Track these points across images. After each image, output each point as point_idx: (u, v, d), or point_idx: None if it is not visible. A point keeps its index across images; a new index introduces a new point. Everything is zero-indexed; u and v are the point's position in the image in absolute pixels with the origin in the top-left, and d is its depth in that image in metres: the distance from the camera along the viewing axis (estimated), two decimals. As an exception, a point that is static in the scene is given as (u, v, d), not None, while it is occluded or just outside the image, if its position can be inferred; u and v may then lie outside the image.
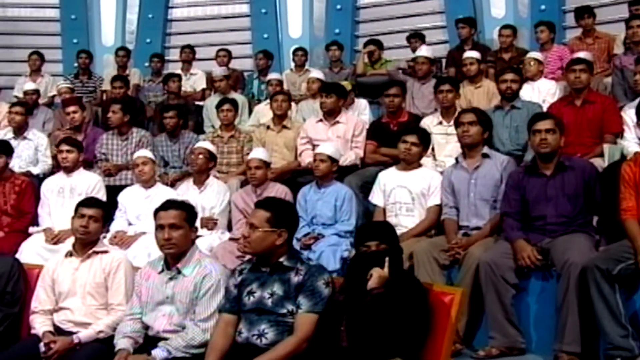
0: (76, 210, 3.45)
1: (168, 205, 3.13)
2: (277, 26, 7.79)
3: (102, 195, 4.86)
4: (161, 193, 4.78)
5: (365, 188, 4.77)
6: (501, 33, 6.20)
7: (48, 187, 4.89)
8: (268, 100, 6.29)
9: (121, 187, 5.06)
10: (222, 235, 4.57)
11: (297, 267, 2.79)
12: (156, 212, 3.13)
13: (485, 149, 3.98)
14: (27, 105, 5.97)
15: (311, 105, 6.04)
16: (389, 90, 5.09)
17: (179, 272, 3.01)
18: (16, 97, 7.19)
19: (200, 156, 4.66)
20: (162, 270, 3.06)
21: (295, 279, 2.76)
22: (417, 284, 2.63)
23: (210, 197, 4.65)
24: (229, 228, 4.67)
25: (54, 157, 5.28)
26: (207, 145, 4.82)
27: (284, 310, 2.73)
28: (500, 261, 3.44)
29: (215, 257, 4.17)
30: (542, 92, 5.29)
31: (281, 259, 2.81)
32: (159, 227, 3.05)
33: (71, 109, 5.63)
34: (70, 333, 3.21)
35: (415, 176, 4.16)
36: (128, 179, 5.28)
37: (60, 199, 4.81)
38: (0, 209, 4.83)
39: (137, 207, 4.74)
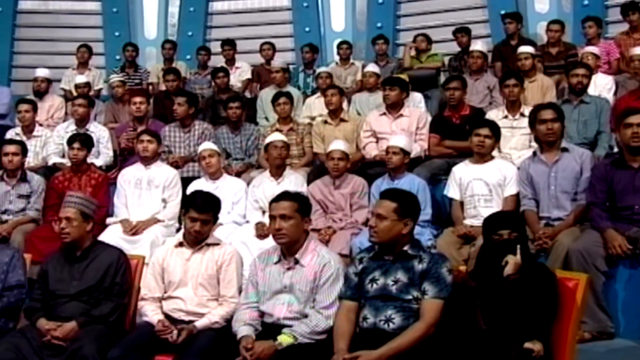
0: (187, 209, 3.54)
1: (281, 196, 3.25)
2: (318, 19, 7.87)
3: (179, 189, 5.01)
4: (229, 184, 4.94)
5: (433, 179, 4.93)
6: (550, 28, 6.32)
7: (125, 178, 5.00)
8: (319, 93, 6.46)
9: (187, 179, 5.17)
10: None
11: (420, 255, 2.93)
12: (270, 203, 3.26)
13: (564, 143, 4.13)
14: (90, 98, 6.05)
15: (366, 98, 6.17)
16: (450, 84, 5.23)
17: (297, 262, 3.15)
18: (63, 89, 7.29)
19: (280, 149, 4.76)
20: (279, 261, 3.20)
21: (419, 266, 2.90)
22: (546, 269, 2.78)
23: (287, 188, 4.68)
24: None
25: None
26: (283, 137, 4.94)
27: (409, 297, 2.87)
28: (591, 249, 3.59)
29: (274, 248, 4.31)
30: (598, 86, 5.44)
31: (405, 248, 2.95)
32: (271, 218, 3.18)
33: (137, 99, 5.72)
34: (181, 322, 3.35)
35: (490, 168, 4.29)
36: (195, 171, 5.40)
37: (137, 190, 4.93)
38: (74, 201, 4.98)
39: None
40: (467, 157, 4.86)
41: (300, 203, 3.20)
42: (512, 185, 4.21)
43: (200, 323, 3.30)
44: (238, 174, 5.29)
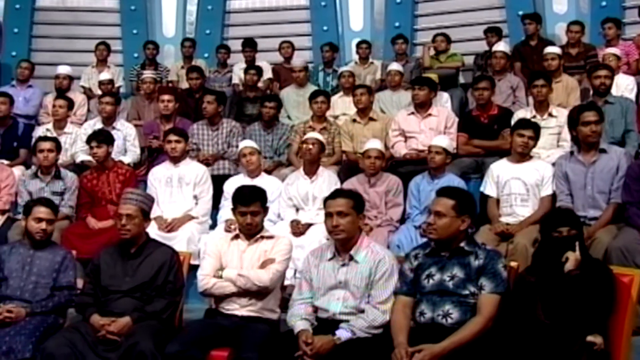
0: (234, 206, 3.62)
1: (336, 194, 3.34)
2: (336, 19, 7.93)
3: (209, 186, 5.07)
4: (266, 183, 4.95)
5: (462, 177, 4.99)
6: (570, 29, 6.41)
7: (155, 177, 5.07)
8: (341, 92, 6.52)
9: (218, 177, 5.24)
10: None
11: (476, 252, 3.01)
12: (325, 200, 3.34)
13: (602, 144, 4.21)
14: (116, 95, 6.08)
15: (389, 96, 6.25)
16: (479, 84, 5.32)
17: (351, 258, 3.22)
18: (82, 86, 7.30)
19: (314, 146, 4.83)
20: (333, 257, 3.28)
21: (475, 262, 2.98)
22: (603, 265, 2.87)
23: (321, 186, 4.82)
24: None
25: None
26: (318, 135, 5.00)
27: (466, 292, 2.95)
28: (630, 246, 3.70)
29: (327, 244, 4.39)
30: (620, 87, 5.53)
31: (462, 244, 3.04)
32: (328, 215, 3.25)
33: (166, 97, 5.75)
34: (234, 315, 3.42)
35: (528, 168, 4.37)
36: (226, 168, 5.45)
37: (168, 188, 4.99)
38: (105, 198, 5.01)
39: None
40: (495, 156, 5.01)
41: (355, 200, 3.28)
42: (549, 185, 4.30)
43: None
44: (268, 172, 5.33)
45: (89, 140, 5.03)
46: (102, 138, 5.01)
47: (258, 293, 3.40)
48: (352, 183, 4.81)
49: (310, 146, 4.81)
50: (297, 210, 4.84)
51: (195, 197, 4.97)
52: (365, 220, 3.40)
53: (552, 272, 2.80)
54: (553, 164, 4.44)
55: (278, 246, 3.52)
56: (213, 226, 4.96)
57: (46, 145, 4.97)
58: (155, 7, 8.11)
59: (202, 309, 4.05)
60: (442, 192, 3.13)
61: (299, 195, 4.82)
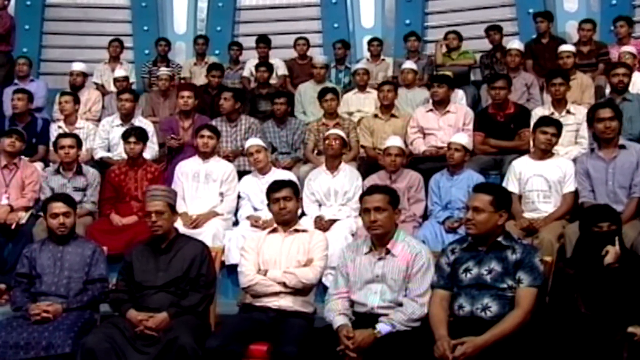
0: (268, 198, 3.74)
1: (372, 189, 3.41)
2: (346, 16, 7.96)
3: (236, 184, 5.11)
4: (279, 177, 4.97)
5: (482, 174, 5.03)
6: (582, 27, 6.48)
7: (182, 171, 5.10)
8: (356, 89, 6.57)
9: (238, 173, 5.24)
10: (356, 219, 4.80)
11: (512, 246, 3.08)
12: (361, 197, 3.40)
13: (622, 140, 4.29)
14: (134, 92, 6.09)
15: (404, 94, 6.28)
16: (496, 83, 5.36)
17: (388, 252, 3.28)
18: (95, 83, 7.31)
19: (336, 142, 4.88)
20: (370, 251, 3.34)
21: (512, 256, 3.05)
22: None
23: (343, 181, 4.88)
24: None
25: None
26: (340, 131, 5.05)
27: (504, 285, 3.02)
28: (656, 241, 3.79)
29: (360, 239, 4.46)
30: (636, 85, 5.61)
31: (499, 239, 3.10)
32: (365, 211, 3.31)
33: (186, 93, 5.77)
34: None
35: (550, 165, 4.44)
36: (246, 165, 5.46)
37: (195, 183, 5.02)
38: (130, 194, 5.04)
39: (259, 193, 4.90)
40: (513, 153, 5.07)
41: (391, 196, 3.35)
42: (571, 182, 4.37)
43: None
44: (288, 169, 5.37)
45: (125, 136, 5.05)
46: (139, 135, 5.07)
47: (301, 290, 3.46)
48: (373, 179, 4.85)
49: (333, 142, 4.87)
50: (320, 205, 4.90)
51: (221, 194, 5.00)
52: (400, 215, 3.45)
53: (591, 265, 2.87)
54: (573, 161, 4.52)
55: (315, 241, 3.59)
56: (236, 223, 5.00)
57: (67, 141, 5.00)
58: (166, 4, 8.11)
59: (230, 304, 4.13)
60: (480, 188, 3.20)
61: (321, 190, 4.87)
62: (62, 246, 3.75)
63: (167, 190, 3.79)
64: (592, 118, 4.31)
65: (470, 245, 3.16)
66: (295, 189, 3.76)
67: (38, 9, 8.00)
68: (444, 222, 4.46)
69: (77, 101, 5.98)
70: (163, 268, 3.56)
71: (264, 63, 6.75)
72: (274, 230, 3.69)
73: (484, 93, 6.45)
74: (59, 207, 3.73)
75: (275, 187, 3.71)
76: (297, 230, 3.66)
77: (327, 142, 4.91)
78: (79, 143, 5.10)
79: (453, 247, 3.22)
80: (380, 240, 3.30)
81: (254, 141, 5.15)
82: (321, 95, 5.77)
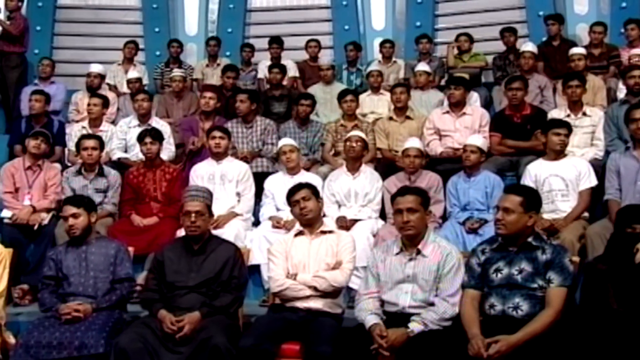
0: (288, 201, 3.78)
1: (404, 191, 3.45)
2: (357, 18, 8.02)
3: (252, 183, 5.15)
4: (306, 179, 4.93)
5: (498, 175, 5.10)
6: (593, 30, 6.57)
7: (198, 173, 5.13)
8: (370, 91, 6.62)
9: (256, 174, 5.28)
10: (376, 220, 4.87)
11: (542, 246, 3.13)
12: (393, 197, 3.45)
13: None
14: (149, 93, 6.12)
15: (419, 96, 6.35)
16: (513, 84, 5.42)
17: (419, 252, 3.33)
18: (108, 84, 7.33)
19: (358, 143, 4.93)
20: (400, 252, 3.38)
21: (542, 257, 3.11)
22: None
23: (363, 183, 4.93)
24: (381, 213, 4.95)
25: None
26: (361, 133, 5.11)
27: (535, 285, 3.07)
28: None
29: (382, 240, 4.51)
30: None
31: (529, 239, 3.16)
32: (398, 212, 3.35)
33: (208, 94, 5.80)
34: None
35: (565, 164, 4.53)
36: (264, 166, 5.54)
37: (211, 185, 4.97)
38: (150, 195, 5.07)
39: (285, 193, 4.95)
40: (528, 155, 5.13)
41: (423, 197, 3.40)
42: (586, 179, 4.46)
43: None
44: (306, 169, 5.38)
45: (141, 137, 5.08)
46: (155, 135, 5.10)
47: (331, 293, 3.52)
48: (393, 181, 4.92)
49: (354, 144, 4.92)
50: (339, 206, 4.94)
51: (237, 194, 5.04)
52: (431, 216, 3.50)
53: (623, 262, 2.93)
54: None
55: (343, 243, 3.63)
56: (255, 223, 5.05)
57: (90, 143, 5.03)
58: (177, 6, 8.16)
59: (252, 304, 4.18)
60: (510, 189, 3.26)
61: (341, 191, 4.92)
62: (85, 247, 3.77)
63: (207, 192, 3.81)
64: (627, 118, 4.37)
65: (501, 245, 3.21)
66: (313, 189, 3.79)
67: (49, 11, 8.03)
68: (464, 222, 4.51)
69: (105, 104, 6.00)
70: (195, 269, 3.60)
71: (277, 65, 6.79)
72: (301, 233, 3.72)
73: (495, 95, 6.54)
74: (67, 209, 3.76)
75: (293, 190, 3.76)
76: (323, 232, 3.70)
77: (348, 143, 4.96)
78: (101, 145, 5.14)
79: (483, 248, 3.28)
80: (411, 240, 3.34)
81: (287, 141, 5.20)
82: (341, 97, 5.83)
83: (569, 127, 4.53)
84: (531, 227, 3.16)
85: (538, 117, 5.35)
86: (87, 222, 3.77)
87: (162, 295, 3.58)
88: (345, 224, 4.62)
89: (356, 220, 4.74)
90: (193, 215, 3.59)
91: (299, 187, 3.78)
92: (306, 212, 3.68)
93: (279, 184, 5.04)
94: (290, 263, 3.61)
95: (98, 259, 3.73)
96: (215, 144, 5.05)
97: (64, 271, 3.73)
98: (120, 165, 5.57)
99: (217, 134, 5.08)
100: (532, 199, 3.17)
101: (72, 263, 3.74)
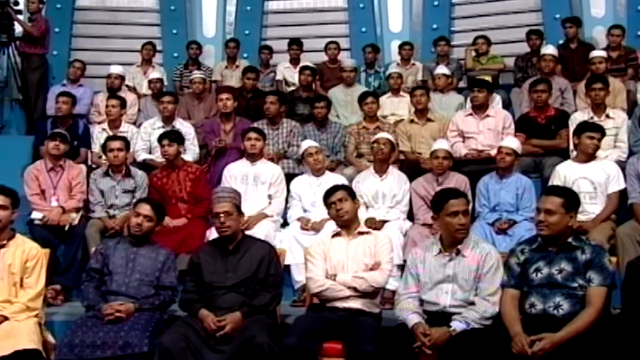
0: (325, 205, 3.83)
1: (458, 193, 3.46)
2: (374, 20, 8.07)
3: (284, 186, 5.20)
4: (332, 180, 5.02)
5: (524, 175, 5.16)
6: (611, 33, 6.63)
7: (231, 173, 5.18)
8: (389, 93, 6.67)
9: (285, 175, 5.30)
10: (404, 221, 4.92)
11: (582, 246, 3.19)
12: (444, 201, 3.41)
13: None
14: (174, 95, 6.16)
15: (439, 98, 6.40)
16: (537, 86, 5.51)
17: (458, 252, 3.38)
18: (127, 86, 7.37)
19: (386, 146, 4.98)
20: (439, 252, 3.43)
21: (582, 257, 3.17)
22: None
23: (391, 184, 4.98)
24: (409, 215, 5.00)
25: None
26: (389, 135, 5.16)
27: (575, 284, 3.13)
28: None
29: (412, 241, 4.57)
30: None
31: (569, 239, 3.22)
32: (454, 214, 3.34)
33: (224, 96, 5.82)
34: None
35: (594, 167, 4.59)
36: (290, 168, 5.58)
37: (244, 186, 5.07)
38: (176, 196, 5.12)
39: (311, 195, 5.06)
40: (552, 155, 5.20)
41: (468, 200, 3.45)
42: (615, 182, 4.52)
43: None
44: (331, 170, 5.43)
45: (160, 139, 5.13)
46: (173, 137, 5.13)
47: (370, 293, 3.58)
48: (420, 182, 4.98)
49: (382, 146, 4.97)
50: (367, 208, 4.99)
51: (269, 196, 5.08)
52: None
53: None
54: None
55: (381, 243, 3.68)
56: (283, 224, 5.09)
57: (116, 144, 5.06)
58: (195, 8, 8.19)
59: (283, 305, 4.22)
60: (551, 190, 3.33)
61: (369, 193, 4.97)
62: (136, 248, 3.83)
63: (233, 192, 3.87)
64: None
65: (540, 246, 3.27)
66: (349, 191, 3.85)
67: (68, 12, 8.05)
68: (493, 223, 4.57)
69: (123, 106, 6.04)
70: (231, 269, 3.65)
71: (308, 66, 6.78)
72: (338, 234, 3.77)
73: (515, 97, 6.60)
74: (145, 209, 3.83)
75: (329, 192, 3.82)
76: (360, 233, 3.75)
77: (376, 145, 5.01)
78: (127, 146, 5.18)
79: (522, 248, 3.33)
80: (455, 242, 3.37)
81: (311, 143, 5.25)
82: (361, 99, 5.88)
83: (602, 131, 4.59)
84: (571, 228, 3.23)
85: (561, 118, 5.44)
86: (152, 228, 3.87)
87: (201, 296, 3.64)
88: (375, 225, 4.67)
89: (385, 221, 4.79)
90: (222, 216, 3.65)
91: (335, 188, 3.84)
92: (342, 214, 3.73)
93: (304, 186, 5.11)
94: (329, 264, 3.66)
95: (146, 263, 3.79)
96: (250, 145, 5.09)
97: (109, 267, 3.79)
98: (146, 167, 5.62)
99: (252, 135, 5.13)
100: (572, 200, 3.24)
101: (119, 261, 3.80)
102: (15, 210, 3.73)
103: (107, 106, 5.99)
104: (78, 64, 6.94)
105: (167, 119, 5.89)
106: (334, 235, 3.77)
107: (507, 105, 6.63)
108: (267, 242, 3.89)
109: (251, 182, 5.07)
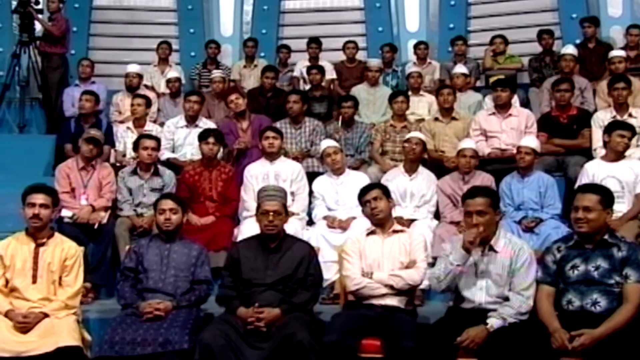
0: (360, 203, 3.87)
1: (474, 193, 3.51)
2: (390, 20, 8.11)
3: (305, 183, 5.23)
4: (353, 179, 5.13)
5: (547, 174, 5.20)
6: (630, 32, 6.68)
7: (252, 173, 5.22)
8: (410, 92, 6.70)
9: (308, 174, 5.35)
10: (431, 220, 4.96)
11: (618, 244, 3.24)
12: (463, 200, 3.52)
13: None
14: (201, 95, 6.20)
15: (458, 97, 6.39)
16: (561, 86, 5.56)
17: (491, 248, 3.43)
18: (145, 85, 7.40)
19: (418, 146, 5.03)
20: (473, 249, 3.48)
21: (618, 254, 3.22)
22: None
23: (420, 184, 5.02)
24: (435, 214, 5.04)
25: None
26: (421, 135, 5.22)
27: (612, 281, 3.18)
28: None
29: (440, 239, 4.61)
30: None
31: (605, 236, 3.27)
32: (467, 214, 3.43)
33: (233, 96, 5.84)
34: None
35: (623, 166, 4.64)
36: (314, 166, 5.61)
37: (265, 184, 5.10)
38: (205, 195, 5.17)
39: (334, 194, 5.10)
40: (575, 154, 5.25)
41: (492, 199, 3.49)
42: (643, 183, 4.56)
43: None
44: (355, 169, 5.45)
45: (203, 137, 5.17)
46: (218, 136, 5.19)
47: (406, 291, 3.63)
48: (447, 181, 5.03)
49: (415, 146, 5.02)
50: (394, 206, 5.02)
51: (292, 193, 5.09)
52: (500, 215, 3.59)
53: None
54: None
55: (416, 242, 3.74)
56: (309, 223, 5.12)
57: (150, 143, 5.12)
58: (212, 7, 8.23)
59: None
60: (587, 188, 3.39)
61: (397, 191, 4.99)
62: (169, 244, 3.88)
63: (282, 191, 3.91)
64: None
65: (577, 243, 3.32)
66: (384, 190, 3.89)
67: (85, 12, 8.10)
68: (519, 221, 4.62)
69: (148, 104, 6.08)
70: (271, 267, 3.69)
71: (316, 66, 6.86)
72: (372, 233, 3.81)
73: (534, 96, 6.64)
74: (168, 204, 3.88)
75: (363, 190, 3.86)
76: (395, 231, 3.80)
77: (408, 145, 5.05)
78: (159, 145, 5.24)
79: (558, 246, 3.38)
80: (484, 238, 3.42)
81: (330, 142, 5.28)
82: (392, 97, 5.94)
83: (633, 130, 4.64)
84: (607, 225, 3.28)
85: (583, 117, 5.49)
86: (181, 221, 3.89)
87: (239, 293, 3.67)
88: (403, 224, 4.71)
89: (412, 220, 4.83)
90: (271, 214, 3.68)
91: (370, 187, 3.89)
92: (377, 212, 3.77)
93: (326, 185, 5.15)
94: (365, 262, 3.71)
95: (180, 258, 3.83)
96: (268, 144, 5.13)
97: (144, 265, 3.83)
98: (169, 166, 5.65)
99: (270, 134, 5.17)
100: (607, 197, 3.30)
101: (153, 258, 3.84)
102: (55, 209, 3.79)
103: (132, 105, 6.02)
104: (86, 62, 6.98)
105: (192, 118, 5.93)
106: (368, 234, 3.81)
107: (524, 104, 6.67)
108: (307, 242, 3.93)
109: (272, 181, 5.06)
